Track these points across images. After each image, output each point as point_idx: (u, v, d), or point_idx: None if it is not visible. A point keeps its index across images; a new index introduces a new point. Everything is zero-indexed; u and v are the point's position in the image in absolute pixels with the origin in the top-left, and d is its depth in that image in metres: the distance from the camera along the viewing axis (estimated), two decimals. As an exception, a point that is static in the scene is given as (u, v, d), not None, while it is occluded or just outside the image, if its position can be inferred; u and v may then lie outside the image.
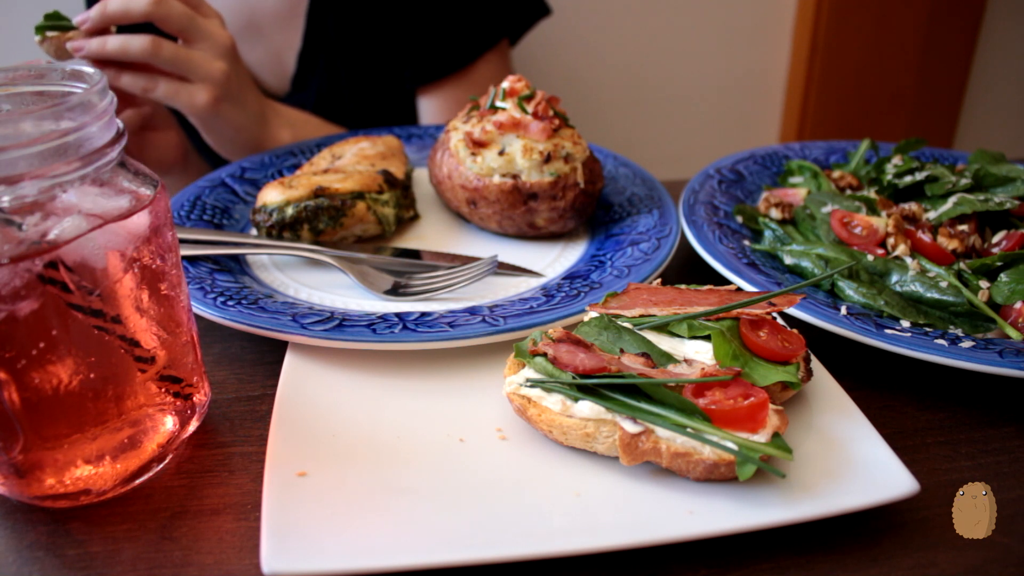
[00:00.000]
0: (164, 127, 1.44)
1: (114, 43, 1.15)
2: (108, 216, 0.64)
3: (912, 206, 1.11)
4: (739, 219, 1.16)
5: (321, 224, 1.09)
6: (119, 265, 0.65)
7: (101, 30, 1.18)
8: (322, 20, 1.63)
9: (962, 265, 0.98)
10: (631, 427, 0.68)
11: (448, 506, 0.67)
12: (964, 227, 1.06)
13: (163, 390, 0.72)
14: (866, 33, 2.76)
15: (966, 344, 0.84)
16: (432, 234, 1.19)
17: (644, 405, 0.69)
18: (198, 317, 0.86)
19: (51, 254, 0.60)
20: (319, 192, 1.10)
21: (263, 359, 0.93)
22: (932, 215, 1.09)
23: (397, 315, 0.91)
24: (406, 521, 0.65)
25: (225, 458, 0.77)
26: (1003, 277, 0.95)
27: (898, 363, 0.91)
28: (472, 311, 0.92)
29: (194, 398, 0.76)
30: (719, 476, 0.68)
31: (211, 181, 1.27)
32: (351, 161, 1.22)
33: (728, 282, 0.97)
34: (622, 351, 0.75)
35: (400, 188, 1.19)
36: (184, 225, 1.14)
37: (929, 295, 0.94)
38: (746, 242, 1.09)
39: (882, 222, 1.05)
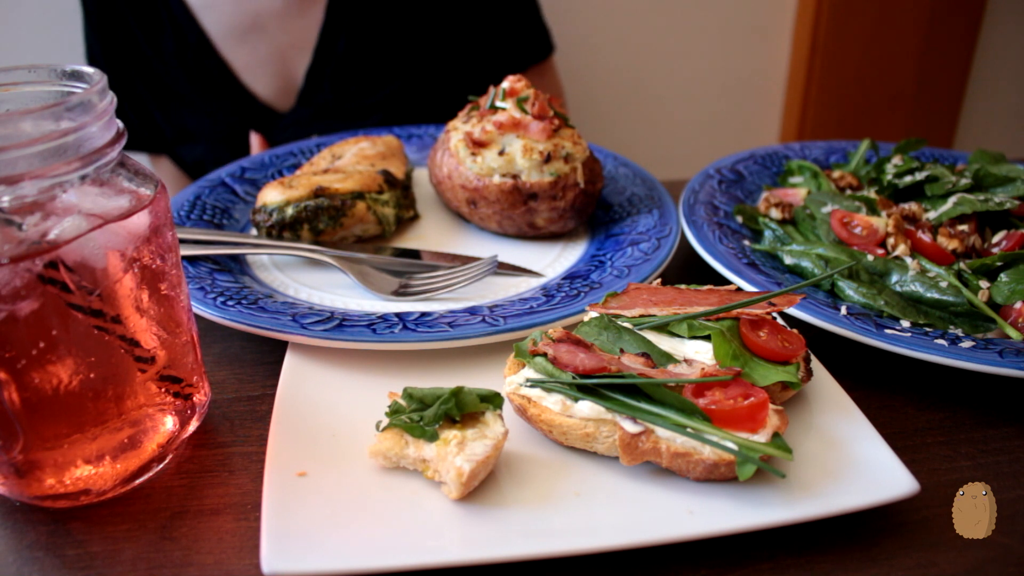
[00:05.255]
0: None
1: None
2: (108, 216, 0.64)
3: (912, 206, 1.11)
4: (739, 219, 1.16)
5: (321, 224, 1.09)
6: (119, 265, 0.65)
7: None
8: (333, 39, 1.69)
9: (962, 265, 0.98)
10: (631, 427, 0.68)
11: (448, 506, 0.67)
12: (964, 227, 1.06)
13: (163, 390, 0.72)
14: (866, 33, 2.76)
15: (966, 344, 0.84)
16: (432, 234, 1.19)
17: (644, 405, 0.69)
18: (198, 317, 0.86)
19: (51, 254, 0.60)
20: (319, 192, 1.10)
21: (263, 359, 0.93)
22: (932, 215, 1.09)
23: (397, 315, 0.91)
24: (406, 521, 0.65)
25: (225, 458, 0.77)
26: (1003, 277, 0.95)
27: (898, 363, 0.91)
28: (472, 311, 0.92)
29: (194, 398, 0.76)
30: (719, 476, 0.68)
31: (211, 181, 1.27)
32: (351, 161, 1.22)
33: (728, 282, 0.97)
34: (622, 351, 0.75)
35: (400, 188, 1.19)
36: (184, 225, 1.14)
37: (929, 295, 0.94)
38: (746, 242, 1.09)
39: (882, 222, 1.05)
